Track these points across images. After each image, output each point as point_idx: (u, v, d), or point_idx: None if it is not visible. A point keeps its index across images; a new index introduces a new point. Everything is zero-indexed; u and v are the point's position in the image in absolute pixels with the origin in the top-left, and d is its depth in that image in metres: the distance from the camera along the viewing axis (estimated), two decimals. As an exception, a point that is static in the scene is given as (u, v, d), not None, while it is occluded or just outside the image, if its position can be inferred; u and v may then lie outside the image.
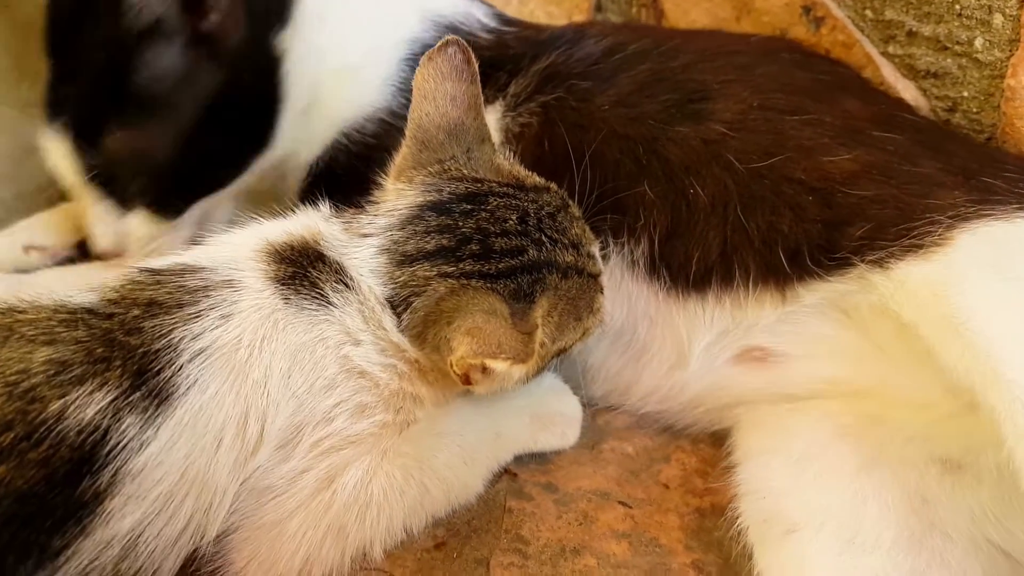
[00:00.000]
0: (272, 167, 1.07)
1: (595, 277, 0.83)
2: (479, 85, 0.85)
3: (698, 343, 0.91)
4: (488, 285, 0.75)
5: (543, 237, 0.80)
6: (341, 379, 0.75)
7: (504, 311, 0.73)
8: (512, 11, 1.51)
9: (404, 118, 0.85)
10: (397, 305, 0.76)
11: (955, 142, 0.92)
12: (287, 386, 0.72)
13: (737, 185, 0.88)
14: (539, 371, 0.83)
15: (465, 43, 0.84)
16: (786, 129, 0.89)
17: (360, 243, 0.79)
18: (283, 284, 0.75)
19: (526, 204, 0.81)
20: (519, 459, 0.94)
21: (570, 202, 0.86)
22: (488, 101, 1.00)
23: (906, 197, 0.81)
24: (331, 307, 0.75)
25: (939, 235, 0.77)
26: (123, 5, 0.86)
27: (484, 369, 0.74)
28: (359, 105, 1.04)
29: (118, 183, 0.94)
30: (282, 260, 0.76)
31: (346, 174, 1.02)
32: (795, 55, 1.02)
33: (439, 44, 0.84)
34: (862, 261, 0.80)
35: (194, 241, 0.95)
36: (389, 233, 0.79)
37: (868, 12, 1.11)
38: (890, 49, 1.11)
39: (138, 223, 0.97)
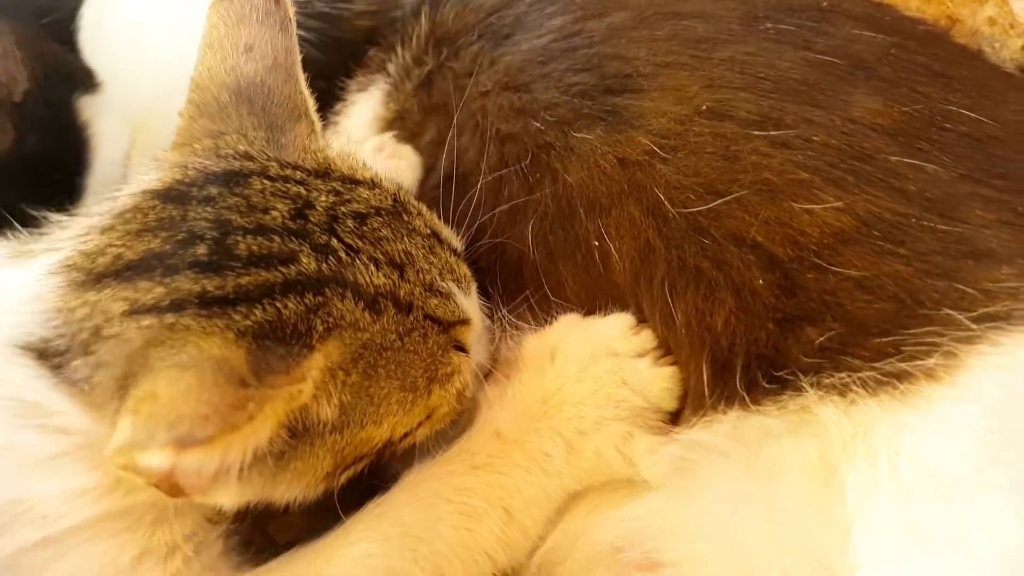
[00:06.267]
0: None
1: (444, 325, 0.54)
2: (294, 36, 0.61)
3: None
4: (214, 317, 0.45)
5: (334, 241, 0.51)
6: None
7: (237, 360, 0.44)
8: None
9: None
10: (61, 352, 0.47)
11: None
12: None
13: (665, 242, 0.56)
14: (327, 487, 0.51)
15: None
16: (746, 151, 0.56)
17: (22, 264, 0.53)
18: None
19: (316, 194, 0.54)
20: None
21: (420, 209, 0.58)
22: (361, 88, 0.78)
23: (917, 279, 0.50)
24: None
25: (943, 352, 0.47)
26: None
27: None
28: None
29: None
30: None
31: None
32: (794, 19, 0.63)
33: None
34: (813, 387, 0.50)
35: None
36: (84, 239, 0.52)
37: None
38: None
39: None
